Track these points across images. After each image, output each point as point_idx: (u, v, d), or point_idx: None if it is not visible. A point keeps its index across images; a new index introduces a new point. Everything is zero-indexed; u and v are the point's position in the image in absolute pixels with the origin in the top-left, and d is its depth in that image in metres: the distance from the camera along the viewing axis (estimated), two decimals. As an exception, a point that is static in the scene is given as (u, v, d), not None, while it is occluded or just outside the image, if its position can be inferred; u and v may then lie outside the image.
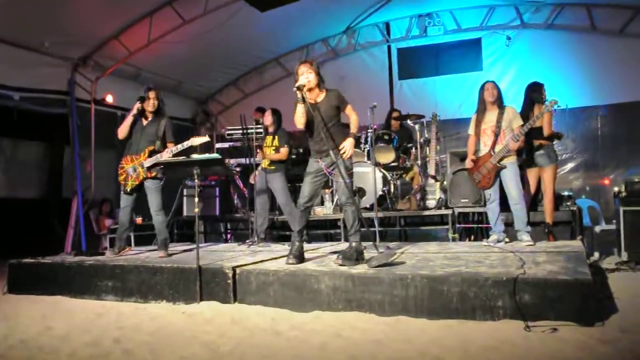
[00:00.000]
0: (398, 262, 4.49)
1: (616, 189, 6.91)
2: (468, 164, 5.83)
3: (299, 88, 4.62)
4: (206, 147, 10.42)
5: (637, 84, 8.64)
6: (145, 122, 5.94)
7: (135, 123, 5.91)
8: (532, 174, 6.11)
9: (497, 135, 5.56)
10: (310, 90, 4.73)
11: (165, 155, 5.71)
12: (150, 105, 5.89)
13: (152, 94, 5.89)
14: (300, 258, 4.83)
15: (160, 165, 5.71)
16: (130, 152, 5.91)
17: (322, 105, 4.80)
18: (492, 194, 5.67)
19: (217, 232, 9.54)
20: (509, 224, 5.95)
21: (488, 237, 5.98)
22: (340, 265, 4.54)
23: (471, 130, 5.84)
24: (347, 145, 4.73)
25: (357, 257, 4.66)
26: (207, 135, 6.12)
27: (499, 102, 5.66)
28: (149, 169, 5.79)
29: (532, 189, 6.15)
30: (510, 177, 5.52)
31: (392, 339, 3.42)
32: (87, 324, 4.21)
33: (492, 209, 5.71)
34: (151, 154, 5.81)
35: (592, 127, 9.02)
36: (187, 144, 5.74)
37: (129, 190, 5.87)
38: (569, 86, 8.90)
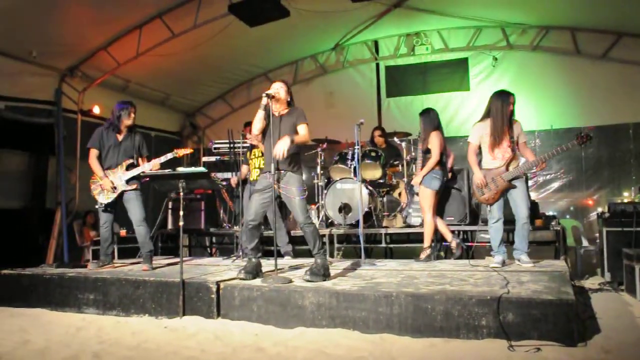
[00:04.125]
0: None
1: (600, 209, 6.98)
2: (479, 179, 5.34)
3: (268, 95, 4.86)
4: (193, 161, 10.45)
5: (619, 107, 8.81)
6: (120, 137, 5.96)
7: (102, 137, 5.95)
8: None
9: (514, 151, 5.27)
10: (277, 101, 4.94)
11: (146, 168, 5.72)
12: (131, 120, 5.95)
13: (133, 110, 5.96)
14: (254, 273, 4.83)
15: (141, 178, 5.74)
16: (105, 167, 5.91)
17: (284, 120, 4.94)
18: (496, 212, 5.33)
19: (202, 246, 9.46)
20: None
21: (472, 257, 5.85)
22: (308, 281, 4.55)
23: (474, 138, 5.46)
24: (281, 143, 4.65)
25: (324, 272, 4.69)
26: (191, 148, 6.10)
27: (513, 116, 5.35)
28: (128, 181, 5.79)
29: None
30: (521, 196, 5.25)
31: (377, 357, 3.40)
32: (66, 338, 4.14)
33: (497, 228, 5.35)
34: (129, 167, 5.84)
35: (576, 148, 9.08)
36: (170, 155, 5.75)
37: (104, 203, 5.85)
38: (554, 107, 9.07)
